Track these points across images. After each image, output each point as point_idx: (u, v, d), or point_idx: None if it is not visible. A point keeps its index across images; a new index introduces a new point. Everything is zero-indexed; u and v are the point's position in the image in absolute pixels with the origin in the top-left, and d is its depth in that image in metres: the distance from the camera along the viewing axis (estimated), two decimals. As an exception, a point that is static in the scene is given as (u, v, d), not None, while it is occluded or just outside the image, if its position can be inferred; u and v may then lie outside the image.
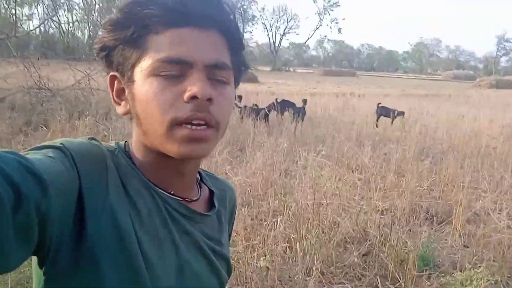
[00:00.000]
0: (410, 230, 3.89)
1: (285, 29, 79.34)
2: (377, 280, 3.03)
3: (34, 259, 0.55)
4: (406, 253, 3.23)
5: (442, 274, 2.76)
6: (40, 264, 0.55)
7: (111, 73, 0.66)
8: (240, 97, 10.58)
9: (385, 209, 4.38)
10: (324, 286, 2.98)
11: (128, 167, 0.65)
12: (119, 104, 0.67)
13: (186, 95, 0.59)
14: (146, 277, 0.58)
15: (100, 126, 6.75)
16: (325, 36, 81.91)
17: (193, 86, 0.59)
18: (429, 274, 3.01)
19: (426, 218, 4.29)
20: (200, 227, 0.71)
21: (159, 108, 0.60)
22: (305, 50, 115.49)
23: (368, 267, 3.23)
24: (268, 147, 5.87)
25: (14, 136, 6.71)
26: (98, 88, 9.15)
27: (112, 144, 0.69)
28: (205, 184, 0.80)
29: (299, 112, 9.38)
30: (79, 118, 6.76)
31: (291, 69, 63.62)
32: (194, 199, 0.73)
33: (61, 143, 0.57)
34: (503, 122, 11.70)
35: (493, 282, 2.68)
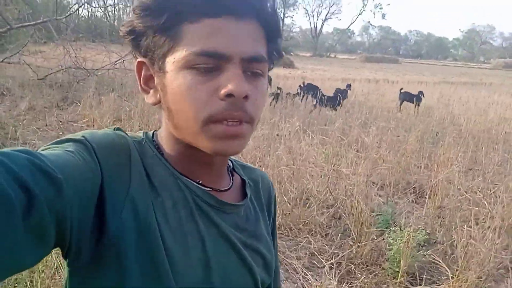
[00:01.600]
0: (383, 198, 4.15)
1: (326, 14, 78.26)
2: (338, 237, 3.36)
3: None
4: (372, 216, 3.53)
5: (393, 231, 3.03)
6: (64, 256, 0.54)
7: (139, 59, 0.63)
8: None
9: (373, 182, 4.64)
10: (291, 239, 3.35)
11: (155, 158, 0.63)
12: (148, 92, 0.64)
13: (222, 92, 0.56)
14: (169, 273, 0.56)
15: (124, 102, 7.33)
16: (368, 21, 79.46)
17: (230, 83, 0.56)
18: (382, 231, 3.30)
19: (406, 190, 4.54)
20: (232, 218, 0.68)
21: (193, 105, 0.57)
22: (349, 36, 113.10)
23: (332, 225, 3.56)
24: (273, 124, 6.21)
25: (50, 109, 7.43)
26: (131, 69, 9.86)
27: (140, 134, 0.67)
28: (237, 173, 0.77)
29: (340, 95, 9.69)
30: (101, 95, 7.35)
31: (332, 55, 62.74)
32: (225, 188, 0.70)
33: (83, 136, 0.56)
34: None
35: (426, 235, 2.97)
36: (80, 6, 11.45)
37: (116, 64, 9.89)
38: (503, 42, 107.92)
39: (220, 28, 0.56)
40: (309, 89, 10.71)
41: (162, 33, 0.58)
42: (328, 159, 4.86)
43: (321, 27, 79.29)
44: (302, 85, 10.79)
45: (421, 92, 10.72)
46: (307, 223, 3.56)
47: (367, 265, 3.09)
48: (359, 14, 77.50)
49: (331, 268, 2.96)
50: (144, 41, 0.60)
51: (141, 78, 0.64)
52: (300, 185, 3.94)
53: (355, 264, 3.08)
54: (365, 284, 2.84)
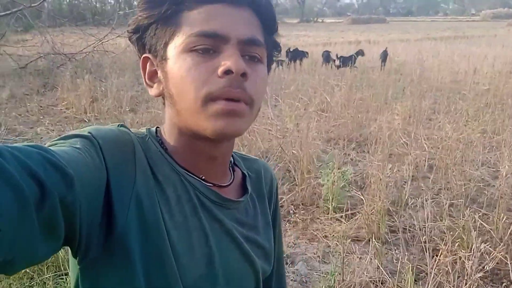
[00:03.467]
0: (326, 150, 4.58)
1: (313, -22, 76.64)
2: (285, 186, 3.81)
3: (69, 249, 0.54)
4: (318, 167, 3.96)
5: (326, 174, 3.47)
6: (74, 255, 0.55)
7: (144, 55, 0.65)
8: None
9: (331, 138, 5.06)
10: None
11: (158, 153, 0.63)
12: (152, 87, 0.66)
13: (221, 69, 0.58)
14: (174, 268, 0.58)
15: (99, 83, 7.67)
16: None
17: (227, 61, 0.57)
18: (317, 176, 3.76)
19: (357, 142, 5.00)
20: (233, 214, 0.69)
21: (193, 83, 0.58)
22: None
23: (284, 177, 4.02)
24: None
25: (31, 96, 7.77)
26: (108, 51, 10.13)
27: (143, 130, 0.68)
28: (238, 167, 0.78)
29: (354, 55, 10.73)
30: (78, 78, 7.66)
31: (320, 20, 62.11)
32: (226, 184, 0.71)
33: (89, 132, 0.56)
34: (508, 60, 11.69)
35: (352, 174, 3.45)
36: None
37: (95, 48, 10.15)
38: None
39: (217, 12, 0.59)
40: (296, 55, 11.28)
41: (163, 23, 0.61)
42: (291, 120, 5.27)
43: (307, -8, 77.89)
44: (288, 51, 11.28)
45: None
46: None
47: (306, 205, 3.54)
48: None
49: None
50: (147, 36, 0.63)
51: (146, 74, 0.66)
52: (255, 144, 4.36)
53: (295, 205, 3.54)
54: (301, 220, 3.31)
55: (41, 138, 5.47)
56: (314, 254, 2.93)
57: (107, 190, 0.54)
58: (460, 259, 2.41)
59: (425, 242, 2.71)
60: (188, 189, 0.64)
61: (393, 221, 3.21)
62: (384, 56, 10.98)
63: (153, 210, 0.57)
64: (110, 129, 0.60)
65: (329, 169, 3.48)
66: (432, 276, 2.27)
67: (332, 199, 3.34)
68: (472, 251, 2.27)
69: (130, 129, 0.64)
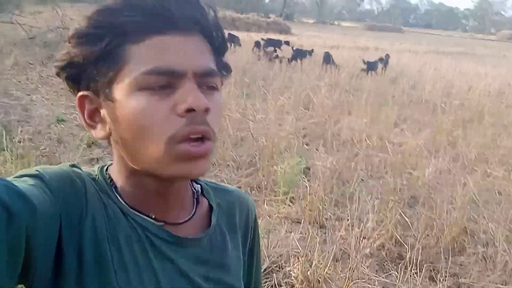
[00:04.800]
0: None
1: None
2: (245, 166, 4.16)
3: None
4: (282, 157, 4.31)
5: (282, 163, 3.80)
6: None
7: (81, 93, 0.58)
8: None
9: (304, 134, 5.38)
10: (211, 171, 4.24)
11: (107, 193, 0.60)
12: (94, 128, 0.60)
13: (182, 108, 0.53)
14: None
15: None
16: None
17: (188, 98, 0.53)
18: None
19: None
20: (191, 252, 0.65)
21: (151, 127, 0.54)
22: (358, 4, 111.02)
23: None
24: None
25: (34, 65, 8.14)
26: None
27: (94, 169, 0.65)
28: (206, 198, 0.72)
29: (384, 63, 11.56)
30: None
31: (336, 23, 62.18)
32: (183, 221, 0.65)
33: (37, 170, 0.54)
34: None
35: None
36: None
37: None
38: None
39: (167, 44, 0.55)
40: (298, 54, 11.89)
41: (105, 59, 0.55)
42: (272, 113, 5.62)
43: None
44: (292, 50, 12.41)
45: (385, 57, 11.70)
46: (231, 160, 4.38)
47: (261, 189, 3.87)
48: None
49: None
50: (85, 73, 0.56)
51: (85, 113, 0.59)
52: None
53: (251, 187, 3.88)
54: (256, 201, 3.65)
55: (35, 105, 5.81)
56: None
57: (59, 228, 0.52)
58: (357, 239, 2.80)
59: (356, 229, 3.04)
60: (138, 229, 0.60)
61: (337, 210, 3.55)
62: (384, 62, 11.30)
63: (103, 248, 0.56)
64: (60, 168, 0.58)
65: (287, 160, 3.81)
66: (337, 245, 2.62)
67: (283, 185, 3.66)
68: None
69: (82, 168, 0.62)
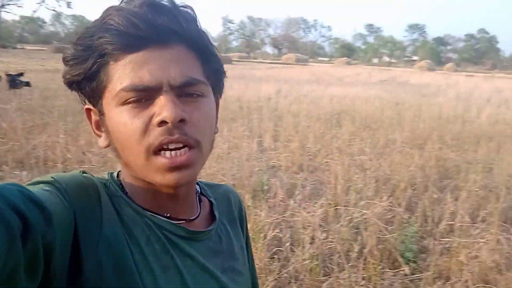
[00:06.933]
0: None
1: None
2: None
3: None
4: None
5: None
6: None
7: (86, 107, 0.64)
8: None
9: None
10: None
11: (120, 198, 0.62)
12: (100, 136, 0.64)
13: (155, 121, 0.56)
14: None
15: None
16: (54, 9, 73.76)
17: (162, 110, 0.56)
18: None
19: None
20: (205, 245, 0.68)
21: (131, 138, 0.57)
22: (41, 25, 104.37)
23: None
24: None
25: None
26: None
27: (105, 175, 0.66)
28: (204, 196, 0.76)
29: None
30: None
31: (19, 46, 56.49)
32: (194, 217, 0.69)
33: (52, 177, 0.55)
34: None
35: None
36: None
37: None
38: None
39: (144, 60, 0.57)
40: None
41: (92, 78, 0.59)
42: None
43: (-1, 14, 69.54)
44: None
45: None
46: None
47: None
48: (42, 1, 70.73)
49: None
50: (83, 89, 0.61)
51: (93, 124, 0.64)
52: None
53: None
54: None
55: None
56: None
57: (75, 233, 0.53)
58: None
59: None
60: (155, 229, 0.62)
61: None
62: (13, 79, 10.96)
63: (123, 253, 0.56)
64: (73, 175, 0.59)
65: None
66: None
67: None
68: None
69: (93, 175, 0.63)
